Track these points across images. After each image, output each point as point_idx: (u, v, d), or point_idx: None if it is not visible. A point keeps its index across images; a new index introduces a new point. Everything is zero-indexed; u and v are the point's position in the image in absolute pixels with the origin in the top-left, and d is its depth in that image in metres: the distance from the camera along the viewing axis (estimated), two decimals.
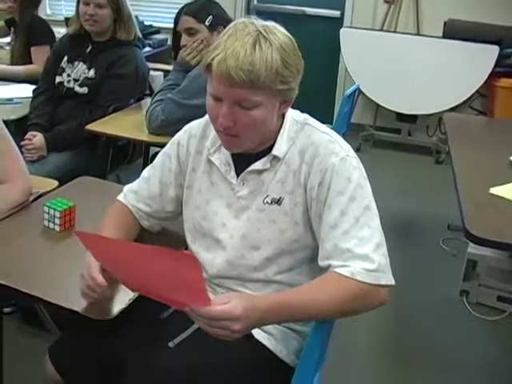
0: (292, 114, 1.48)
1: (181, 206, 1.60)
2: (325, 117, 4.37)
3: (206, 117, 1.55)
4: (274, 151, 1.43)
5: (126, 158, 3.18)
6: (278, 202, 1.43)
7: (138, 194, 1.63)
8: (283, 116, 1.45)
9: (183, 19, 2.55)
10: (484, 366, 2.57)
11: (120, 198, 1.66)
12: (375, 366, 2.54)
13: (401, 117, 5.11)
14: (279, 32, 1.34)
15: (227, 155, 1.49)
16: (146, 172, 1.65)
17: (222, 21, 2.50)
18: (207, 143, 1.52)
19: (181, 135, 1.60)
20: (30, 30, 3.52)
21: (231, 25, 1.35)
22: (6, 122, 2.88)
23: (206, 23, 2.52)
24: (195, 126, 1.59)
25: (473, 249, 2.95)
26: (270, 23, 1.36)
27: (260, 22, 1.34)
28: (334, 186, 1.37)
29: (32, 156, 2.73)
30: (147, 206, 1.63)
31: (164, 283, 1.21)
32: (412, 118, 5.09)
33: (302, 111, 1.51)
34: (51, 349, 1.57)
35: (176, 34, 2.70)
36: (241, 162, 1.47)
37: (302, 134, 1.44)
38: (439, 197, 4.04)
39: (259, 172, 1.45)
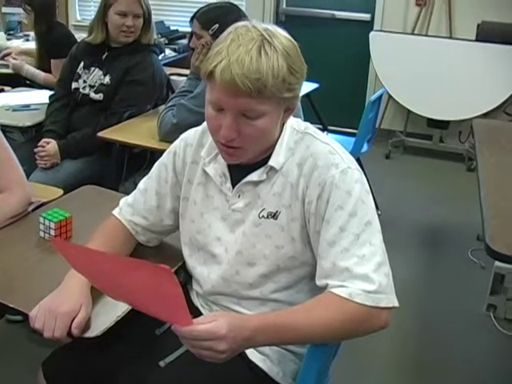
0: (292, 123, 1.40)
1: (178, 218, 1.54)
2: (354, 122, 4.32)
3: (203, 125, 1.49)
4: (271, 162, 1.35)
5: (144, 164, 3.12)
6: (275, 216, 1.35)
7: (133, 207, 1.57)
8: (283, 124, 1.37)
9: (194, 22, 2.53)
10: None
11: (115, 212, 1.60)
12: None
13: (432, 123, 4.96)
14: (282, 36, 1.27)
15: (223, 166, 1.42)
16: (142, 183, 1.58)
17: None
18: (202, 153, 1.45)
19: (177, 144, 1.54)
20: (50, 41, 3.53)
21: (231, 29, 1.27)
22: (22, 128, 2.94)
23: (210, 32, 2.47)
24: (191, 134, 1.52)
25: (500, 262, 2.82)
26: (272, 26, 1.28)
27: (262, 26, 1.27)
28: (334, 200, 1.29)
29: (45, 163, 2.72)
30: (144, 219, 1.56)
31: (144, 297, 1.15)
32: (444, 124, 4.95)
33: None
34: (44, 364, 1.53)
35: (191, 35, 2.67)
36: (237, 172, 1.40)
37: (301, 145, 1.36)
38: (470, 205, 3.86)
39: (255, 184, 1.38)
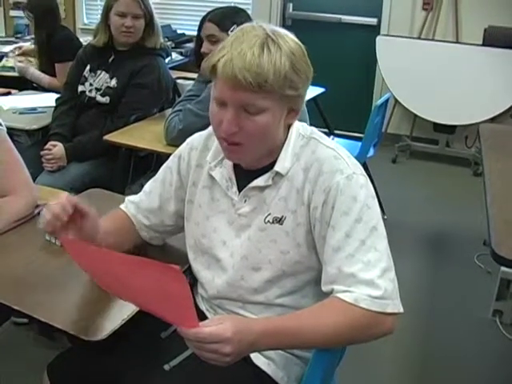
0: (298, 127, 1.40)
1: (182, 220, 1.55)
2: (360, 126, 4.33)
3: (209, 129, 1.49)
4: (277, 167, 1.35)
5: (151, 167, 3.13)
6: (280, 221, 1.35)
7: (137, 205, 1.59)
8: (288, 128, 1.37)
9: (207, 25, 2.48)
10: None
11: (121, 206, 1.62)
12: None
13: (438, 127, 4.96)
14: (289, 38, 1.28)
15: (229, 170, 1.42)
16: (147, 186, 1.60)
17: None
18: (208, 157, 1.45)
19: (182, 148, 1.54)
20: (53, 45, 3.55)
21: (238, 28, 1.29)
22: (29, 131, 2.95)
23: (229, 33, 2.44)
24: (197, 138, 1.53)
25: (506, 267, 2.81)
26: (282, 29, 1.29)
27: (270, 26, 1.28)
28: (339, 205, 1.28)
29: (51, 166, 2.72)
30: (146, 219, 1.58)
31: (150, 297, 1.15)
32: (450, 129, 4.94)
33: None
34: (49, 366, 1.53)
35: (198, 40, 2.64)
36: (243, 177, 1.40)
37: (306, 150, 1.36)
38: (476, 210, 3.86)
39: (261, 189, 1.38)
